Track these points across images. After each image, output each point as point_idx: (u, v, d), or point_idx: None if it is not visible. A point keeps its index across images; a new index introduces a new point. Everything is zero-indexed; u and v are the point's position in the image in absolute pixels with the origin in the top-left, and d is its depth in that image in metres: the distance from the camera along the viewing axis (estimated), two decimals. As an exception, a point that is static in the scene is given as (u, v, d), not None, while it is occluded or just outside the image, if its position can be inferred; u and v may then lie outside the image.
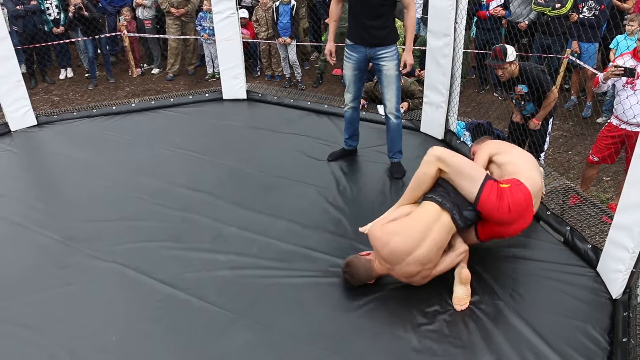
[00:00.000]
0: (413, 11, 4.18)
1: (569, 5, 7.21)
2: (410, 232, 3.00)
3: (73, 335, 2.93)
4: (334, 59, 4.38)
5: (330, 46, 4.36)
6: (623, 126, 4.71)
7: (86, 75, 9.24)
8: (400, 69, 4.24)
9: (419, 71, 7.65)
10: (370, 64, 4.33)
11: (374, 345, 2.83)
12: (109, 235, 3.74)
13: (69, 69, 9.43)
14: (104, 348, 2.85)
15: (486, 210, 3.07)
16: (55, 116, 5.71)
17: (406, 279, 3.08)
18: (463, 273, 3.07)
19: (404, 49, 4.20)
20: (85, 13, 8.33)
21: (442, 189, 3.14)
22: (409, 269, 3.00)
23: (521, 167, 3.27)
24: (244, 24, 8.34)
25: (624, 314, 2.95)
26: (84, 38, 8.55)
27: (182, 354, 2.82)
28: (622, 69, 4.48)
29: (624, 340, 2.77)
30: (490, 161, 3.45)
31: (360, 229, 3.38)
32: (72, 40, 8.86)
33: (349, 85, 4.43)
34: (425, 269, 3.03)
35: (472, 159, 3.75)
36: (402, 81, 5.79)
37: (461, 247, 3.17)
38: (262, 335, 2.90)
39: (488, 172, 3.30)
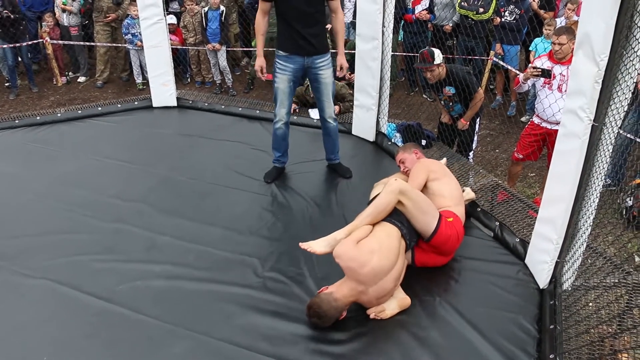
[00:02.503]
0: (341, 14, 4.23)
1: (491, 11, 7.50)
2: (387, 250, 3.00)
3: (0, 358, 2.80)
4: (265, 75, 4.25)
5: (260, 62, 4.17)
6: (544, 124, 4.93)
7: (6, 84, 8.86)
8: (337, 73, 4.24)
9: (349, 75, 7.74)
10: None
11: (313, 349, 2.85)
12: (37, 250, 3.59)
13: (-14, 79, 9.02)
14: (35, 368, 2.74)
15: (440, 242, 3.27)
16: (-26, 128, 5.45)
17: (376, 301, 3.01)
18: (407, 300, 3.11)
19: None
20: (11, 15, 8.00)
21: (398, 217, 3.21)
22: (385, 286, 2.97)
23: (452, 201, 3.52)
24: (172, 30, 8.22)
25: (551, 302, 3.09)
26: (3, 46, 8.19)
27: (118, 368, 2.75)
28: (540, 69, 4.70)
29: (551, 327, 2.90)
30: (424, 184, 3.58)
31: (302, 245, 3.17)
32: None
33: (282, 99, 4.27)
34: (395, 286, 3.06)
35: (399, 167, 3.90)
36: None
37: (405, 263, 3.26)
38: (200, 345, 2.86)
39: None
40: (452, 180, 3.70)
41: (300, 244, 3.18)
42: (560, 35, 4.74)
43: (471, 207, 3.95)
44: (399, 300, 3.08)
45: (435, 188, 3.55)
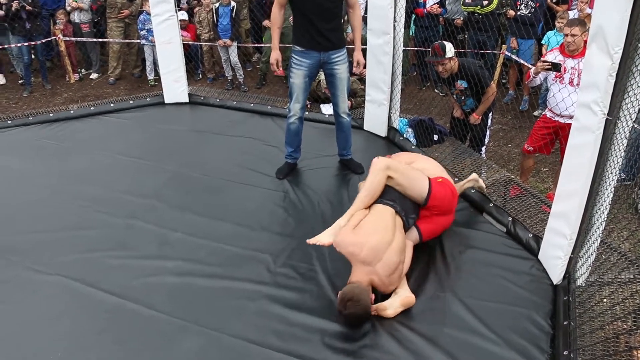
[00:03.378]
0: (359, 10, 4.23)
1: (495, 1, 7.43)
2: (382, 227, 3.10)
3: (14, 354, 2.81)
4: (280, 69, 4.23)
5: (277, 55, 4.14)
6: (556, 118, 4.89)
7: (20, 81, 8.93)
8: (354, 69, 4.25)
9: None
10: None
11: (325, 345, 2.84)
12: (50, 246, 3.62)
13: (0, 76, 9.09)
14: (48, 364, 2.76)
15: (438, 201, 3.34)
16: (-13, 125, 5.49)
17: (387, 279, 3.00)
18: (410, 299, 3.05)
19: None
20: (29, 7, 8.10)
21: (389, 196, 3.29)
22: (391, 260, 2.99)
23: (435, 170, 3.63)
24: (184, 26, 8.24)
25: (564, 298, 3.06)
26: (21, 44, 8.27)
27: (131, 364, 2.76)
28: (549, 63, 4.66)
29: (565, 323, 2.87)
30: None
31: (309, 241, 3.24)
32: (4, 46, 8.54)
33: (298, 95, 4.25)
34: (401, 261, 3.06)
35: None
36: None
37: (410, 243, 3.29)
38: (212, 341, 2.87)
39: None
40: (428, 159, 3.90)
41: (307, 240, 3.24)
42: (573, 26, 4.69)
43: (484, 202, 3.93)
44: (402, 299, 3.04)
45: (417, 166, 3.61)
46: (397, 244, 3.06)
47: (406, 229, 3.29)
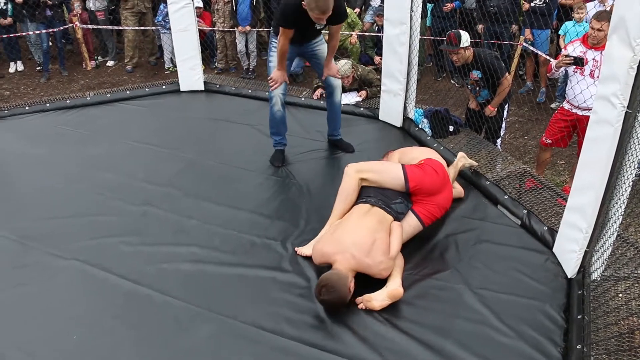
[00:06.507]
0: (337, 41, 4.27)
1: None
2: (348, 221, 3.29)
3: (31, 337, 2.85)
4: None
5: (283, 75, 4.31)
6: (575, 110, 4.84)
7: (37, 68, 8.99)
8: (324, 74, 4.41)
9: (380, 58, 7.70)
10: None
11: (336, 334, 2.85)
12: (67, 232, 3.66)
13: (19, 62, 9.14)
14: (63, 348, 2.79)
15: (418, 183, 3.43)
16: (5, 111, 5.53)
17: (368, 258, 3.01)
18: (397, 291, 3.01)
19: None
20: (50, 1, 8.19)
21: (365, 193, 3.46)
22: (363, 239, 3.06)
23: (421, 156, 3.72)
24: (199, 14, 8.23)
25: (579, 292, 3.05)
26: (42, 31, 8.33)
27: (145, 349, 2.79)
28: (572, 58, 4.60)
29: (579, 317, 2.86)
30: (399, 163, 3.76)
31: (297, 250, 3.43)
32: (23, 34, 8.60)
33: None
34: (376, 238, 3.09)
35: None
36: (360, 70, 5.82)
37: (396, 226, 3.30)
38: (226, 327, 2.89)
39: None
40: (420, 148, 4.24)
41: (295, 248, 3.44)
42: (602, 21, 4.56)
43: (498, 195, 3.91)
44: (390, 291, 3.00)
45: (407, 158, 3.78)
46: (365, 224, 3.18)
47: (394, 216, 3.34)
